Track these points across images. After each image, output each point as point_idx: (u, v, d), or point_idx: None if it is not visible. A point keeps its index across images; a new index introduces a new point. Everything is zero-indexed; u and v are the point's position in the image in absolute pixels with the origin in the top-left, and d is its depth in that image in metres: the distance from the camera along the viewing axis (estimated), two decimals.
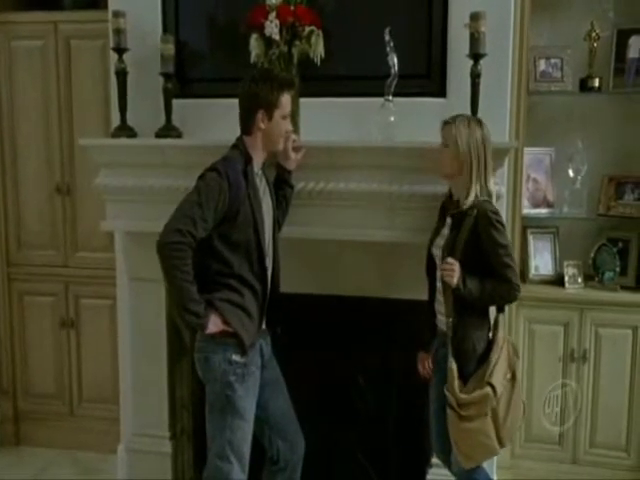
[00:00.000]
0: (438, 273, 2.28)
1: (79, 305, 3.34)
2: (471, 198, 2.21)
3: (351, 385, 2.93)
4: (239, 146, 2.31)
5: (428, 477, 2.82)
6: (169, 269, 2.15)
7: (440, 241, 2.30)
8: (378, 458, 2.95)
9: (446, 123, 2.27)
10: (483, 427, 2.21)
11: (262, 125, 2.27)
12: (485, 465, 2.40)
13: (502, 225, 2.22)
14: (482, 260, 2.22)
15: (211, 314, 2.22)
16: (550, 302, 2.99)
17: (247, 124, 2.29)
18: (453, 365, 2.22)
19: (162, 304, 2.92)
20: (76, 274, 3.31)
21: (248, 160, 2.28)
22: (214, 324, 2.22)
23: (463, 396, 2.20)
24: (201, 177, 2.23)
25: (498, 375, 2.21)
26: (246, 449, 2.32)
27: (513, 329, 2.97)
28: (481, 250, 2.21)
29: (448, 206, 2.33)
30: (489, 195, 2.24)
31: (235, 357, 2.25)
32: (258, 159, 2.33)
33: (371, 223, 2.57)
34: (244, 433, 2.30)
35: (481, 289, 2.21)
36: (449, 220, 2.30)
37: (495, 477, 2.84)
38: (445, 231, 2.30)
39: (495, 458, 2.80)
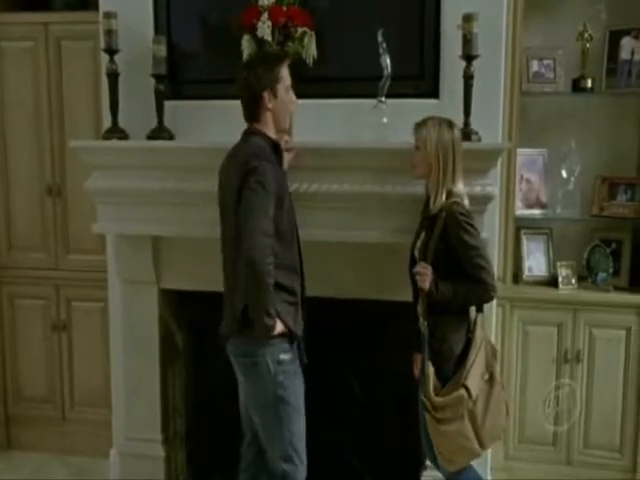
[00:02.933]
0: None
1: (70, 308, 3.31)
2: (440, 200, 2.21)
3: (344, 387, 2.92)
4: (257, 133, 2.25)
5: (422, 479, 2.81)
6: (262, 282, 2.09)
7: (419, 243, 2.31)
8: (372, 461, 2.94)
9: (418, 125, 2.27)
10: (461, 430, 2.19)
11: (270, 105, 2.24)
12: (477, 466, 2.40)
13: (472, 226, 2.20)
14: (454, 262, 2.21)
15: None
16: (544, 303, 2.99)
17: (254, 110, 2.25)
18: (430, 368, 2.22)
19: (154, 307, 2.91)
20: (67, 277, 3.28)
21: (272, 144, 2.26)
22: (279, 325, 2.19)
23: (437, 399, 2.20)
24: (252, 171, 2.12)
25: (474, 377, 2.20)
26: (304, 446, 2.33)
27: (507, 330, 2.97)
28: (452, 252, 2.20)
29: (425, 208, 2.33)
30: (460, 196, 2.23)
31: (283, 356, 2.23)
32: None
33: (363, 224, 2.56)
34: (300, 429, 2.31)
35: (454, 291, 2.20)
36: (425, 222, 2.30)
37: (489, 478, 2.84)
38: (423, 234, 2.30)
39: (489, 459, 2.81)
